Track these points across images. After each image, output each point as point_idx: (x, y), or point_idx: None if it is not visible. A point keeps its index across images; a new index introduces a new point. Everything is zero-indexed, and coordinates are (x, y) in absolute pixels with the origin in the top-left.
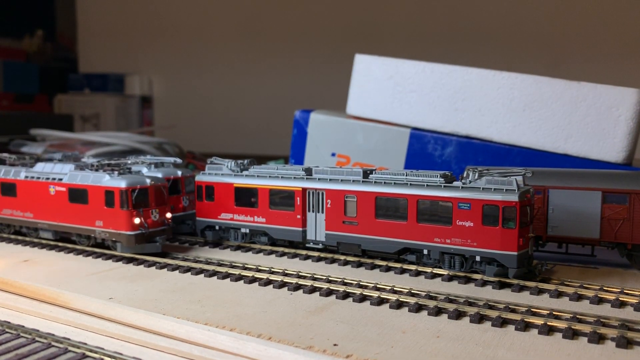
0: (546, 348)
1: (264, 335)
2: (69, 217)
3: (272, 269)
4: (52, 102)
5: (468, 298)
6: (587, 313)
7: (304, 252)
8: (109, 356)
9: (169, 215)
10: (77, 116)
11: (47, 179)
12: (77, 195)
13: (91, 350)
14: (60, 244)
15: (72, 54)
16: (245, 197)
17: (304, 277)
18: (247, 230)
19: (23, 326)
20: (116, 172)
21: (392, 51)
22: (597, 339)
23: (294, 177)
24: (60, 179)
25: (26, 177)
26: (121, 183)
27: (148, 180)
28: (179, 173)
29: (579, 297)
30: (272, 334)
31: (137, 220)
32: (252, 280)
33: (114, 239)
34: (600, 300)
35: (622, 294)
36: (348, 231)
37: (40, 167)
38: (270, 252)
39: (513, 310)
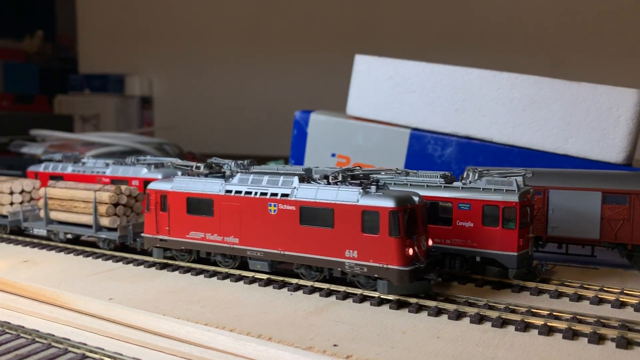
0: (546, 348)
1: (264, 335)
2: (299, 244)
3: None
4: (52, 103)
5: (468, 298)
6: (587, 313)
7: None
8: (109, 357)
9: (430, 242)
10: (77, 117)
11: (264, 194)
12: (316, 215)
13: (91, 351)
14: (60, 244)
15: (72, 55)
16: None
17: (304, 278)
18: None
19: (23, 327)
20: (374, 187)
21: (392, 51)
22: (597, 339)
23: None
24: (286, 195)
25: (228, 191)
26: (388, 201)
27: (416, 198)
28: (179, 173)
29: (579, 298)
30: (272, 334)
31: (410, 251)
32: (252, 280)
33: (375, 275)
34: (600, 301)
35: (622, 295)
36: None
37: (245, 178)
38: None
39: (513, 311)
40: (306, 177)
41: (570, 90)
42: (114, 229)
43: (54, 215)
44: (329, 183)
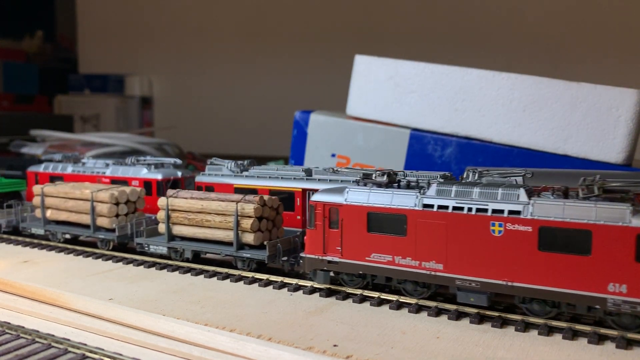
0: (546, 349)
1: (264, 336)
2: (536, 274)
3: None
4: (52, 103)
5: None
6: (587, 314)
7: None
8: (109, 357)
9: None
10: (77, 117)
11: (483, 210)
12: (564, 239)
13: (91, 351)
14: (60, 244)
15: (72, 55)
16: None
17: (304, 278)
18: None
19: (23, 327)
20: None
21: (392, 52)
22: (597, 339)
23: (294, 178)
24: (516, 212)
25: (427, 206)
26: None
27: None
28: (179, 174)
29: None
30: (272, 334)
31: None
32: (252, 281)
33: None
34: None
35: None
36: None
37: (446, 190)
38: None
39: (513, 311)
40: (532, 189)
41: (570, 91)
42: (260, 247)
43: (177, 230)
44: (577, 197)
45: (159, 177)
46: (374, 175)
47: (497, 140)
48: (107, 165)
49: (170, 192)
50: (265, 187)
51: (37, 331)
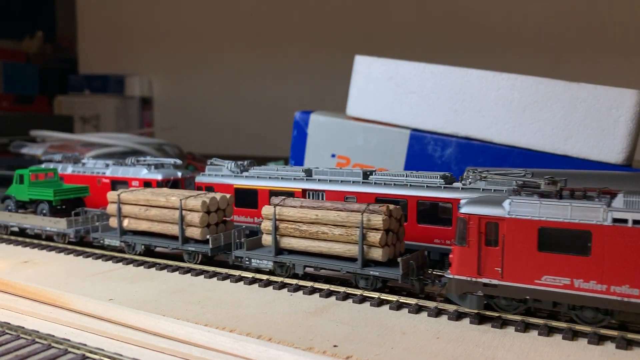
0: (546, 349)
1: (264, 336)
2: None
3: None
4: (52, 103)
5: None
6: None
7: None
8: (109, 357)
9: None
10: (77, 117)
11: None
12: None
13: (91, 352)
14: (60, 245)
15: (72, 55)
16: (245, 198)
17: (304, 278)
18: (248, 231)
19: (23, 327)
20: None
21: (392, 52)
22: (597, 340)
23: (294, 178)
24: None
25: (619, 220)
26: None
27: None
28: (179, 174)
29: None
30: (272, 335)
31: None
32: (252, 281)
33: None
34: None
35: None
36: None
37: (636, 201)
38: None
39: (512, 312)
40: None
41: (570, 91)
42: (386, 264)
43: (285, 242)
44: None
45: (159, 177)
46: (542, 183)
47: (497, 141)
48: (107, 165)
49: (275, 199)
50: (265, 187)
51: (37, 332)
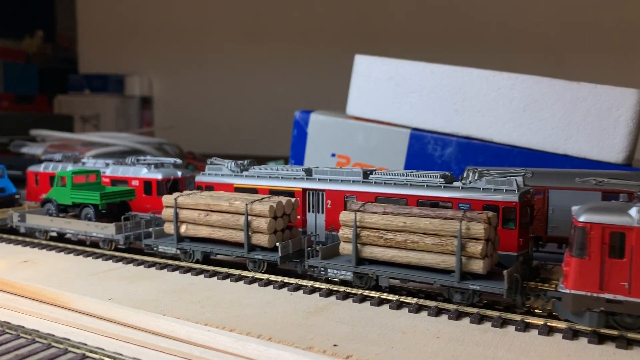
0: (546, 349)
1: (264, 335)
2: None
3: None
4: (52, 103)
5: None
6: None
7: None
8: (109, 357)
9: None
10: (77, 117)
11: None
12: None
13: (91, 351)
14: (60, 244)
15: (72, 55)
16: None
17: (304, 278)
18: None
19: (23, 327)
20: None
21: (392, 52)
22: (597, 339)
23: (294, 178)
24: None
25: None
26: None
27: None
28: (179, 174)
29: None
30: (272, 334)
31: None
32: (252, 280)
33: None
34: None
35: None
36: None
37: None
38: None
39: (513, 311)
40: None
41: (571, 91)
42: (486, 277)
43: (367, 251)
44: None
45: (159, 176)
46: None
47: (497, 140)
48: (107, 165)
49: (354, 204)
50: (265, 186)
51: (37, 331)
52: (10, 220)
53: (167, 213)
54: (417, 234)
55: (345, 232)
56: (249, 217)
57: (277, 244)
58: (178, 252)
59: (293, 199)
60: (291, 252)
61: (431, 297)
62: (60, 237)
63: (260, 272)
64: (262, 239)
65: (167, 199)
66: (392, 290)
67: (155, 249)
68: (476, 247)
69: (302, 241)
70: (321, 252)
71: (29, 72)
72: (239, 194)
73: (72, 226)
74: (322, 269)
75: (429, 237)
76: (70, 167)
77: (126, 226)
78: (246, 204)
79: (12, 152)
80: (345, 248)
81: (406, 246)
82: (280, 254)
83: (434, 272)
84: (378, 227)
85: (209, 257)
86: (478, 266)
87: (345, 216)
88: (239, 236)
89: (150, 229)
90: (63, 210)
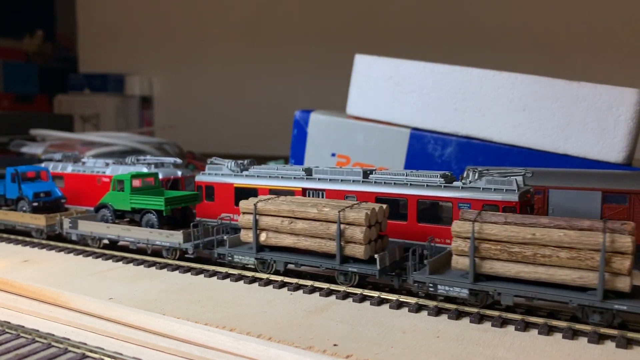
0: (546, 348)
1: (264, 335)
2: None
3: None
4: (52, 102)
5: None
6: None
7: None
8: (109, 356)
9: None
10: (77, 116)
11: None
12: None
13: (91, 351)
14: (60, 244)
15: (72, 54)
16: (245, 197)
17: (304, 277)
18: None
19: (23, 326)
20: None
21: (392, 51)
22: (597, 339)
23: (294, 177)
24: None
25: None
26: None
27: None
28: (179, 173)
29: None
30: (272, 334)
31: None
32: (252, 280)
33: None
34: None
35: None
36: None
37: None
38: None
39: (513, 310)
40: None
41: (570, 90)
42: (634, 296)
43: (487, 266)
44: None
45: (159, 176)
46: None
47: (497, 140)
48: (107, 164)
49: (468, 213)
50: (265, 186)
51: (37, 330)
52: (59, 226)
53: (245, 220)
54: (549, 247)
55: (459, 245)
56: (342, 226)
57: (375, 255)
58: (255, 262)
59: (384, 206)
60: (387, 263)
61: (431, 297)
62: (113, 245)
63: (351, 286)
64: (357, 250)
65: (245, 204)
66: (392, 290)
67: (229, 258)
68: (623, 263)
69: (396, 252)
70: (429, 266)
71: (29, 72)
72: (324, 200)
73: (132, 234)
74: (431, 284)
75: (564, 250)
76: (70, 167)
77: (195, 233)
78: (338, 211)
79: (12, 152)
80: (460, 262)
81: (535, 261)
82: (378, 267)
83: (568, 289)
84: (500, 239)
85: (287, 268)
86: (624, 284)
87: (460, 226)
88: (329, 246)
89: (225, 237)
90: (119, 216)
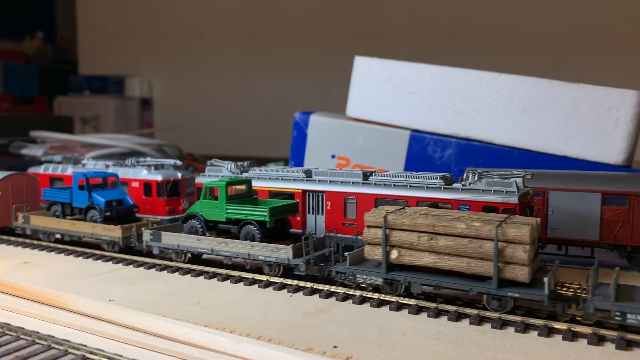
0: (546, 350)
1: (264, 337)
2: None
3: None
4: (52, 104)
5: (468, 300)
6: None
7: None
8: (109, 358)
9: None
10: (77, 118)
11: None
12: None
13: (91, 352)
14: (60, 245)
15: (72, 56)
16: None
17: (304, 279)
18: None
19: (23, 328)
20: None
21: (391, 53)
22: (597, 340)
23: (294, 179)
24: None
25: None
26: None
27: None
28: (179, 175)
29: (578, 299)
30: (272, 336)
31: None
32: (252, 282)
33: None
34: None
35: None
36: (348, 233)
37: None
38: None
39: (513, 312)
40: None
41: (570, 92)
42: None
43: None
44: None
45: (159, 178)
46: None
47: (497, 142)
48: (107, 166)
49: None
50: (265, 188)
51: (37, 332)
52: (135, 238)
53: (371, 234)
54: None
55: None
56: (499, 244)
57: (545, 278)
58: (383, 282)
59: (538, 219)
60: (551, 288)
61: (431, 299)
62: (196, 258)
63: (505, 313)
64: (519, 272)
65: (372, 217)
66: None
67: (351, 277)
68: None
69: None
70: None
71: (28, 74)
72: (469, 213)
73: (230, 247)
74: (618, 313)
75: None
76: (70, 169)
77: (306, 247)
78: (496, 227)
79: (12, 154)
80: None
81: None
82: (547, 291)
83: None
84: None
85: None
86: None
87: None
88: (481, 267)
89: (346, 253)
90: (210, 227)
